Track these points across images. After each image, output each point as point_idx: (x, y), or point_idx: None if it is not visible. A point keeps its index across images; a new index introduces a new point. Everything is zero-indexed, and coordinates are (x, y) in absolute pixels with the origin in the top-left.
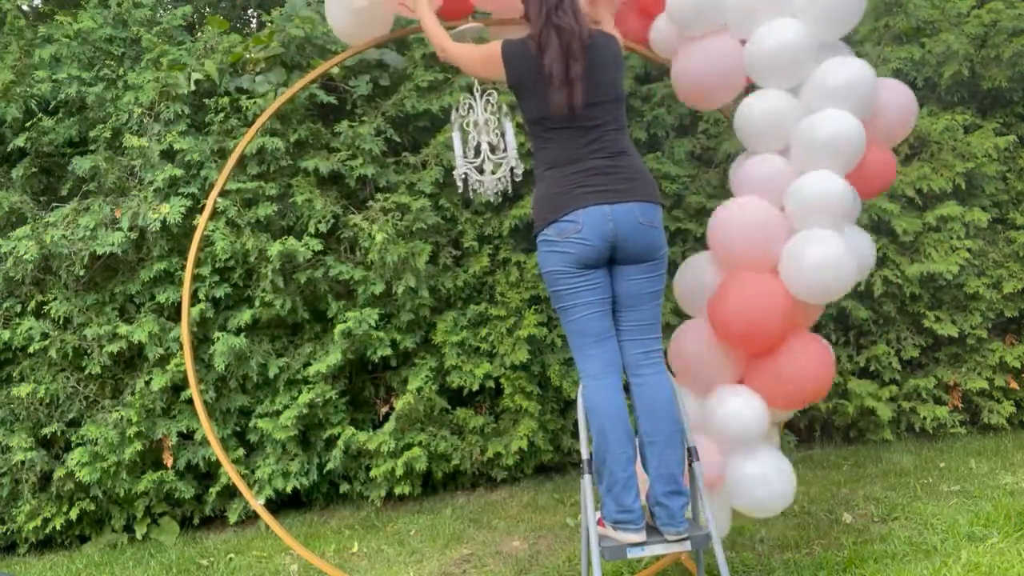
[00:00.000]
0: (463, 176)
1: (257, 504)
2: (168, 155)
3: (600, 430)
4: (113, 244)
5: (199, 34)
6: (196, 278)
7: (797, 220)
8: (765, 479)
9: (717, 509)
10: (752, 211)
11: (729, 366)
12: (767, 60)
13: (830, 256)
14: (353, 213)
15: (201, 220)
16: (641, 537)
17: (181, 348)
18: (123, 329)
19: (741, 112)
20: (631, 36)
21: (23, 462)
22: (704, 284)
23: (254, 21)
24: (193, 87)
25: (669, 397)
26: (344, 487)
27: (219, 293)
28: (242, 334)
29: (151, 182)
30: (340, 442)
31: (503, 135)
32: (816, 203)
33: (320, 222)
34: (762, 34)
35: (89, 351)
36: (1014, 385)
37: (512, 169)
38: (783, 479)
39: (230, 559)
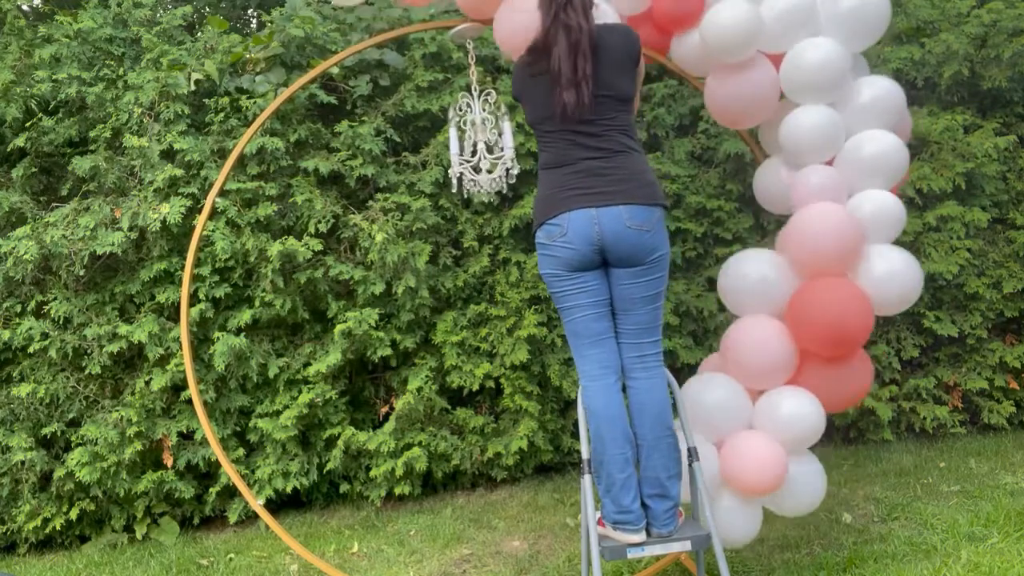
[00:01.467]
0: (458, 175)
1: (257, 504)
2: (168, 155)
3: (597, 431)
4: (113, 244)
5: (199, 34)
6: (196, 278)
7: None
8: (805, 479)
9: (749, 510)
10: (838, 217)
11: (789, 366)
12: (806, 79)
13: (901, 268)
14: (353, 213)
15: (201, 220)
16: (641, 537)
17: (181, 348)
18: (123, 329)
19: (788, 126)
20: (646, 46)
21: (23, 462)
22: (761, 281)
23: (254, 21)
24: (193, 87)
25: (659, 401)
26: (344, 487)
27: (219, 293)
28: (242, 334)
29: (151, 182)
30: (340, 442)
31: (501, 135)
32: (876, 219)
33: (320, 222)
34: (799, 53)
35: (89, 351)
36: (1014, 385)
37: (508, 169)
38: (819, 479)
39: (230, 559)
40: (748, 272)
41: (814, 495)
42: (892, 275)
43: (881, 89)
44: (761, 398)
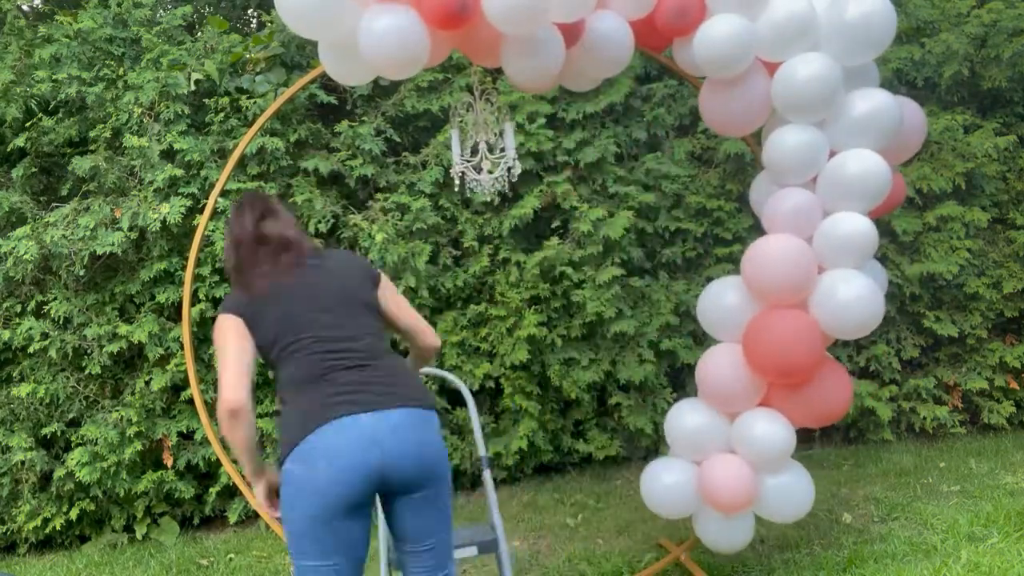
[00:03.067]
0: (460, 174)
1: (257, 504)
2: (168, 155)
3: None
4: (113, 244)
5: (199, 34)
6: (196, 278)
7: (825, 258)
8: (790, 489)
9: (742, 519)
10: (787, 249)
11: (755, 390)
12: (795, 97)
13: (860, 295)
14: (353, 213)
15: (202, 220)
16: None
17: (181, 348)
18: (123, 329)
19: (772, 145)
20: (646, 47)
21: (23, 462)
22: (729, 309)
23: (254, 21)
24: (193, 87)
25: None
26: None
27: (219, 293)
28: None
29: (151, 182)
30: None
31: (502, 135)
32: (846, 244)
33: (320, 222)
34: (789, 70)
35: (89, 351)
36: (1014, 385)
37: (510, 169)
38: (804, 486)
39: (230, 559)
40: (717, 300)
41: (801, 502)
42: (852, 302)
43: (875, 104)
44: (736, 421)
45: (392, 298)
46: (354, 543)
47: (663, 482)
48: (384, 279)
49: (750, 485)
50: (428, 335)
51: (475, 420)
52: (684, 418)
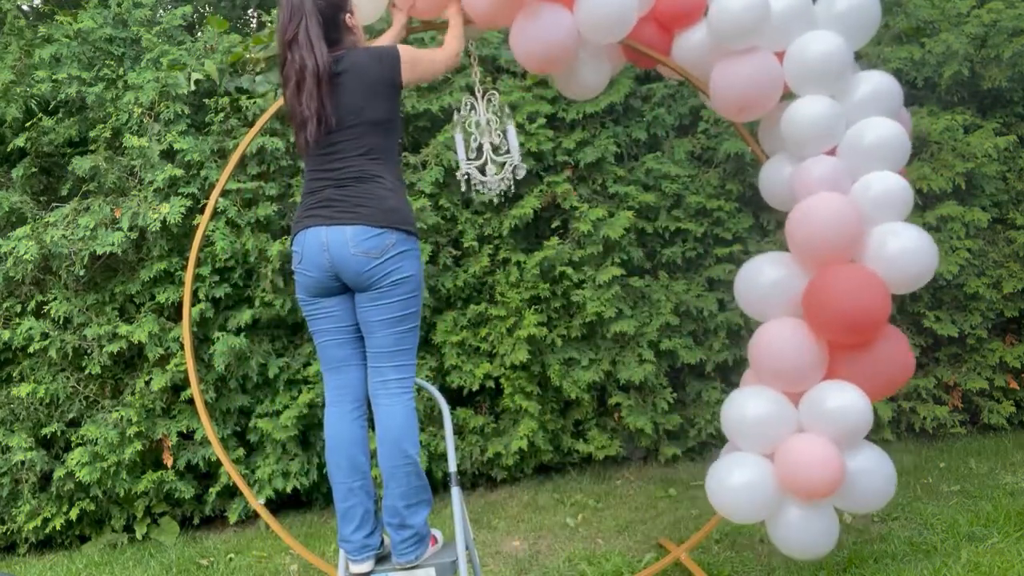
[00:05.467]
0: (466, 176)
1: (257, 504)
2: (168, 155)
3: (327, 458)
4: (113, 244)
5: (199, 34)
6: (196, 278)
7: (866, 217)
8: (869, 471)
9: (821, 516)
10: (836, 205)
11: (820, 361)
12: (811, 68)
13: (914, 245)
14: None
15: (202, 220)
16: (365, 567)
17: (181, 348)
18: (123, 329)
19: (788, 117)
20: (649, 46)
21: (23, 462)
22: (773, 284)
23: (254, 21)
24: (193, 87)
25: (397, 427)
26: None
27: (219, 293)
28: (242, 334)
29: (151, 182)
30: None
31: (505, 135)
32: (884, 201)
33: None
34: (803, 43)
35: (89, 351)
36: (1014, 385)
37: (514, 169)
38: (884, 468)
39: (230, 559)
40: (759, 276)
41: (882, 487)
42: (906, 252)
43: (879, 84)
44: (803, 398)
45: (412, 70)
46: (333, 317)
47: (735, 481)
48: (403, 59)
49: (838, 461)
50: (444, 52)
51: (449, 433)
52: (746, 407)
